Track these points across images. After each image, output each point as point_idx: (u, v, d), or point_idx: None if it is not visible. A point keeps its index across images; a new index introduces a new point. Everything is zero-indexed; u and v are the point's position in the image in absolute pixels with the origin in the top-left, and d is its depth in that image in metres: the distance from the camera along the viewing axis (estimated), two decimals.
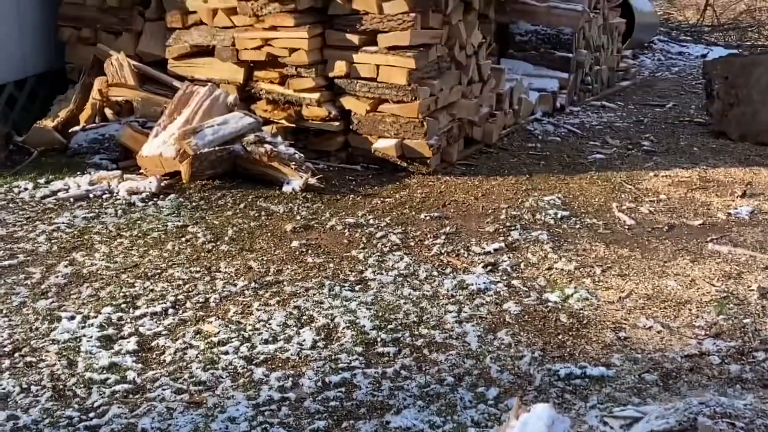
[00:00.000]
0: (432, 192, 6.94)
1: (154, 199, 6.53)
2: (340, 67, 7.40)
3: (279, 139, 7.03)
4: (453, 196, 6.87)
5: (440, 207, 6.62)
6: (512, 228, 6.16)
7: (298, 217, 6.28)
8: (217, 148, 6.79)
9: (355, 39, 7.34)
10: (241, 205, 6.46)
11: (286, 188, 6.77)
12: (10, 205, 6.38)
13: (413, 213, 6.46)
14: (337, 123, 7.48)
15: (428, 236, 5.99)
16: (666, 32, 15.42)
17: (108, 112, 7.59)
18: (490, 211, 6.55)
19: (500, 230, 6.13)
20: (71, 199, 6.50)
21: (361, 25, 7.31)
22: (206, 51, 7.77)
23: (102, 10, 8.12)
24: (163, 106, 7.34)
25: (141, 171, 6.96)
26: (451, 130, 7.57)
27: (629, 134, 8.85)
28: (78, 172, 6.99)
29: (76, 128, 7.57)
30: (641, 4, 13.57)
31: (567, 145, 8.38)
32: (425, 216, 6.38)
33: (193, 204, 6.45)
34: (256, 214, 6.30)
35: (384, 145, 7.33)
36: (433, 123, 7.30)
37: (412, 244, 5.85)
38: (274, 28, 7.39)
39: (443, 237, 5.98)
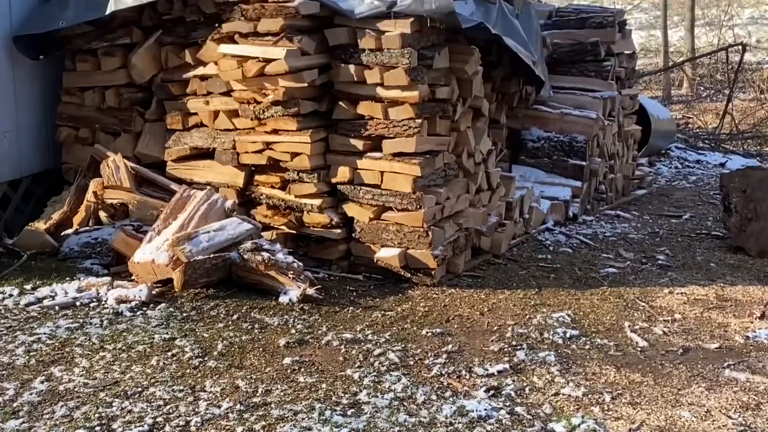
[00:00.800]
0: (435, 305, 6.62)
1: (144, 308, 6.24)
2: (343, 173, 7.15)
3: (277, 246, 6.74)
4: (457, 310, 6.55)
5: (443, 322, 6.30)
6: (518, 347, 5.83)
7: (293, 331, 5.96)
8: (212, 255, 6.52)
9: (359, 144, 7.10)
10: (234, 317, 6.16)
11: (283, 299, 6.47)
12: None
13: (414, 328, 6.14)
14: (339, 230, 7.20)
15: (429, 355, 5.66)
16: (683, 139, 15.17)
17: (102, 215, 7.34)
18: (495, 327, 6.22)
19: (505, 350, 5.80)
20: (56, 307, 6.21)
21: (366, 130, 7.07)
22: (206, 153, 7.55)
23: (101, 110, 7.91)
24: (160, 210, 7.09)
25: (133, 277, 6.67)
26: (457, 240, 7.28)
27: (644, 247, 8.53)
28: (67, 278, 6.73)
29: (69, 231, 7.32)
30: (658, 110, 13.36)
31: (579, 258, 8.06)
32: (427, 332, 6.06)
33: (184, 314, 6.15)
34: (249, 327, 5.99)
35: (387, 254, 7.04)
36: (438, 233, 7.01)
37: (411, 363, 5.52)
38: (276, 131, 7.17)
39: (445, 356, 5.65)
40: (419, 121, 6.91)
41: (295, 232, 7.31)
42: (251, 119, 7.23)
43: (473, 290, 7.01)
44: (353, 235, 7.21)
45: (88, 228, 7.30)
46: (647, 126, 12.35)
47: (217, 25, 7.32)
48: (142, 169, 7.50)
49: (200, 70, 7.49)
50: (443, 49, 7.18)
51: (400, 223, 7.01)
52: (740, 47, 17.27)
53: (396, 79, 6.88)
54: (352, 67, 7.03)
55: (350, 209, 7.18)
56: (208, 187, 7.19)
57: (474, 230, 7.55)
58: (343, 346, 5.74)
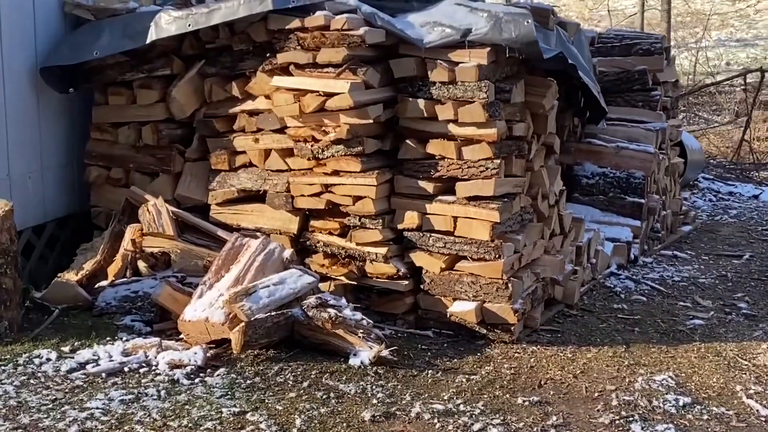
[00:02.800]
0: (521, 367, 5.95)
1: (201, 374, 5.52)
2: (410, 218, 6.48)
3: (343, 301, 6.06)
4: (547, 372, 5.88)
5: (536, 387, 5.63)
6: (630, 419, 5.18)
7: (375, 401, 5.27)
8: (273, 313, 5.82)
9: (429, 187, 6.43)
10: (305, 384, 5.45)
11: (353, 361, 5.77)
12: (32, 381, 5.36)
13: (507, 396, 5.46)
14: (405, 282, 6.52)
15: (534, 429, 5.00)
16: (706, 168, 14.60)
17: (141, 265, 6.61)
18: (596, 394, 5.56)
19: (617, 422, 5.14)
20: (103, 374, 5.47)
21: (437, 171, 6.41)
22: (254, 196, 6.85)
23: (136, 147, 7.16)
24: (207, 260, 6.40)
25: (181, 336, 5.95)
26: (535, 292, 6.61)
27: (718, 293, 7.89)
28: (108, 338, 6.01)
29: (104, 283, 6.59)
30: (689, 140, 12.77)
31: (656, 307, 7.40)
32: (523, 400, 5.39)
33: (248, 382, 5.44)
34: (324, 396, 5.29)
35: (462, 309, 6.35)
36: (518, 284, 6.34)
37: None
38: (336, 172, 6.48)
39: (553, 431, 4.97)
40: (497, 161, 6.26)
41: (355, 283, 6.61)
42: (308, 159, 6.54)
43: (556, 347, 6.35)
44: (421, 286, 6.53)
45: (125, 279, 6.58)
46: (682, 157, 11.73)
47: (268, 54, 6.64)
48: (185, 213, 6.79)
49: (249, 105, 6.80)
50: (519, 81, 6.54)
51: (476, 274, 6.34)
52: (759, 73, 16.70)
53: (472, 116, 6.23)
54: (421, 102, 6.37)
55: (418, 258, 6.50)
56: (262, 235, 6.52)
57: (549, 279, 6.87)
58: (436, 420, 5.07)
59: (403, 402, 5.28)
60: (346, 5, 6.52)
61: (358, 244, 6.52)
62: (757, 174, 14.82)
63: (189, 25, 6.66)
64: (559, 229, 7.20)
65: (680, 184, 12.00)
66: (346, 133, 6.33)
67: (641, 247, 8.85)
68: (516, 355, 6.17)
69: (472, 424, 5.02)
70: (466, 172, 6.33)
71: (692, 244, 9.83)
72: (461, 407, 5.25)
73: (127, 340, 5.97)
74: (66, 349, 5.82)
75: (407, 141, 6.49)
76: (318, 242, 6.67)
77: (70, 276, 6.67)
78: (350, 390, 5.40)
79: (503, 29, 6.26)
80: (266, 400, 5.20)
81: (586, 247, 7.68)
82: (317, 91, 6.37)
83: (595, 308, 7.30)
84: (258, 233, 6.63)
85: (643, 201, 8.84)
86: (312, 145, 6.47)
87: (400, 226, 6.53)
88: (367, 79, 6.33)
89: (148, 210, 6.65)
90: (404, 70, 6.47)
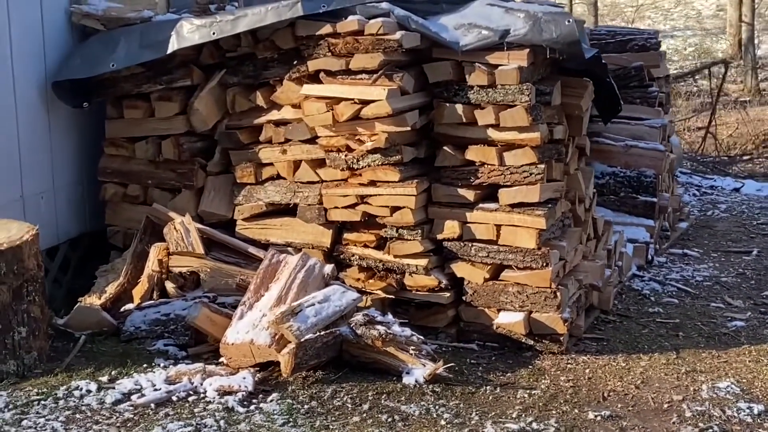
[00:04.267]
0: (579, 379, 5.76)
1: (254, 400, 5.25)
2: (450, 228, 6.24)
3: (390, 317, 5.84)
4: (607, 384, 5.70)
5: (601, 401, 5.46)
6: (709, 431, 4.99)
7: (443, 422, 5.05)
8: (322, 332, 5.55)
9: (469, 195, 6.20)
10: (365, 407, 5.21)
11: (407, 380, 5.54)
12: (78, 416, 5.04)
13: (576, 410, 5.28)
14: (447, 294, 6.29)
15: None
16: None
17: (169, 285, 6.30)
18: (665, 405, 5.39)
19: None
20: (152, 405, 5.16)
21: (477, 178, 6.19)
22: (283, 210, 6.56)
23: (155, 163, 6.80)
24: (240, 279, 6.11)
25: (221, 360, 5.66)
26: (579, 299, 6.42)
27: (744, 292, 7.75)
28: (144, 365, 5.70)
29: (130, 306, 6.27)
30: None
31: (690, 309, 7.24)
32: (594, 415, 5.20)
33: (306, 407, 5.18)
34: (389, 419, 5.06)
35: (509, 320, 6.14)
36: (565, 293, 6.14)
37: None
38: (372, 183, 6.23)
39: None
40: (542, 166, 6.06)
41: (393, 297, 6.36)
42: (342, 170, 6.28)
43: (607, 357, 6.17)
44: (463, 298, 6.30)
45: (153, 302, 6.26)
46: None
47: (295, 62, 6.36)
48: (212, 230, 6.48)
49: (275, 115, 6.52)
50: (556, 83, 6.34)
51: (523, 283, 6.12)
52: (723, 64, 16.71)
53: (514, 120, 6.02)
54: (459, 107, 6.15)
55: (460, 269, 6.27)
56: (294, 250, 6.28)
57: (589, 285, 6.68)
58: None
59: (472, 422, 5.07)
60: (379, 8, 6.26)
61: (396, 256, 6.28)
62: (731, 167, 14.78)
63: (213, 34, 6.35)
64: (593, 232, 7.01)
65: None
66: (384, 141, 6.08)
67: (655, 246, 8.69)
68: (569, 366, 5.98)
69: None
70: (509, 179, 6.12)
71: (696, 241, 9.69)
72: (534, 425, 5.05)
73: (165, 367, 5.67)
74: (104, 378, 5.49)
75: (444, 148, 6.26)
76: (353, 255, 6.41)
77: (93, 300, 6.34)
78: (413, 411, 5.17)
79: (543, 29, 6.06)
80: (330, 426, 4.95)
81: (614, 249, 7.50)
82: (352, 99, 6.11)
83: (630, 313, 7.12)
84: (289, 248, 6.38)
85: (655, 200, 8.69)
86: (346, 155, 6.21)
87: (439, 237, 6.29)
88: (403, 85, 6.09)
89: (175, 228, 6.33)
90: (440, 75, 6.23)
